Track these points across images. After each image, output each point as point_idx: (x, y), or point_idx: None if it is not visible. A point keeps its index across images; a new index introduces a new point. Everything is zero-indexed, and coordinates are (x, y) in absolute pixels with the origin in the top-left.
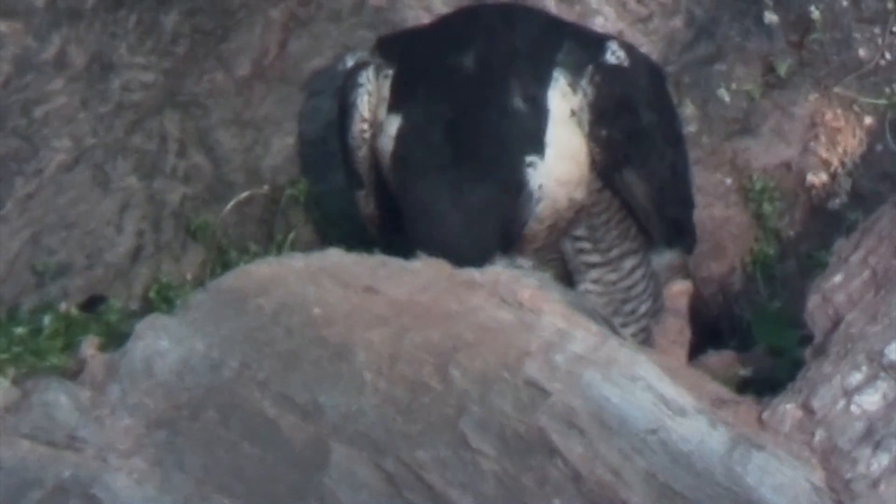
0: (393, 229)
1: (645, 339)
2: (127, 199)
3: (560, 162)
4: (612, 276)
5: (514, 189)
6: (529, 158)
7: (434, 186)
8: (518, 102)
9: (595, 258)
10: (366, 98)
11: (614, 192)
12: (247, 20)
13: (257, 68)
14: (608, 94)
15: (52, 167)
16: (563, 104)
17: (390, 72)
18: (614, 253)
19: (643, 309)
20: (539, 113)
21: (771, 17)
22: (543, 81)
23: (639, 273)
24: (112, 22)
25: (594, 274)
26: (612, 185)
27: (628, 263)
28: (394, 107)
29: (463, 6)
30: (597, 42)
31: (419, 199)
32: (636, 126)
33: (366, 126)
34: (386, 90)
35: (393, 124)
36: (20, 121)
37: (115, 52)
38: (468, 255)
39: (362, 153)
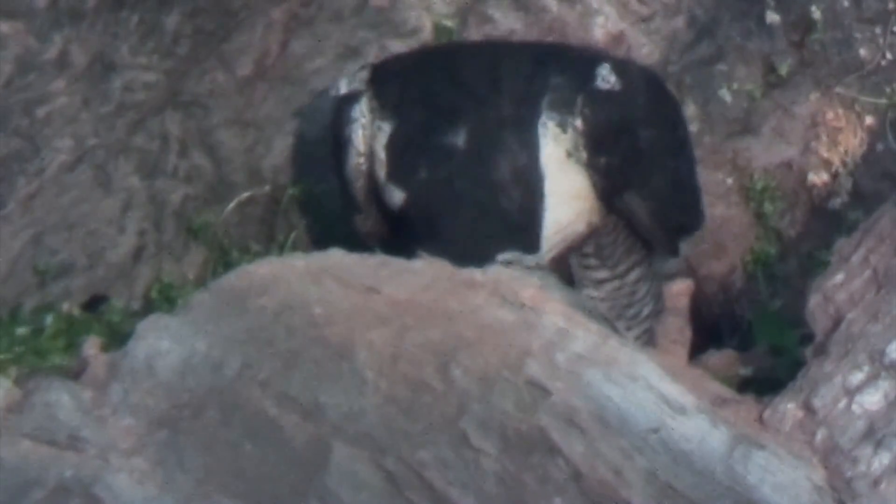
0: (394, 244)
1: (648, 341)
2: (129, 199)
3: (562, 206)
4: (616, 283)
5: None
6: (504, 255)
7: None
8: (507, 181)
9: (603, 274)
10: (360, 133)
11: (618, 214)
12: (248, 20)
13: (259, 68)
14: (600, 123)
15: (54, 167)
16: (557, 150)
17: (385, 125)
18: (621, 268)
19: (646, 312)
20: (530, 183)
21: (772, 17)
22: (532, 144)
23: (642, 281)
24: (114, 22)
25: (598, 283)
26: (613, 208)
27: (634, 275)
28: (393, 177)
29: (449, 44)
30: (587, 68)
31: None
32: (634, 148)
33: (362, 160)
34: (379, 145)
35: (395, 196)
36: (22, 121)
37: (117, 52)
38: None
39: (360, 184)
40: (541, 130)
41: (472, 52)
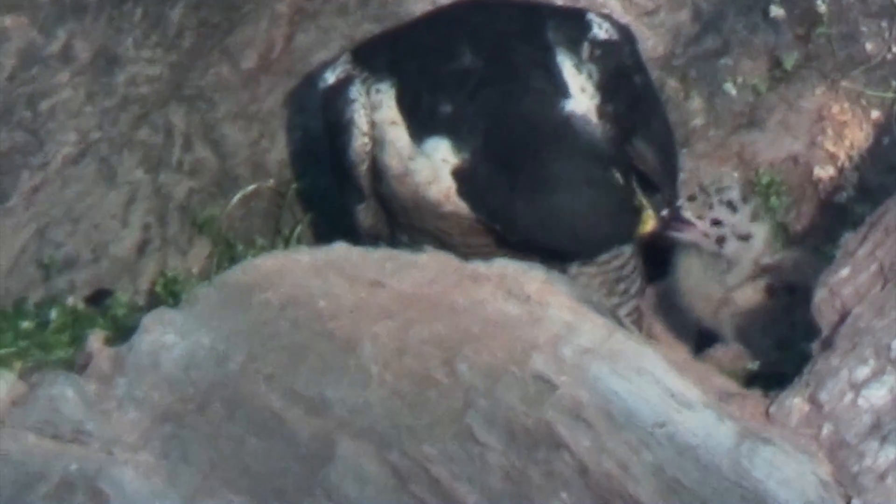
0: (391, 240)
1: (637, 319)
2: (133, 193)
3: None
4: (604, 256)
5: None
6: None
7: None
8: (545, 89)
9: None
10: (362, 112)
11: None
12: (253, 13)
13: (264, 62)
14: (610, 72)
15: (58, 161)
16: (574, 80)
17: (383, 86)
18: None
19: (634, 289)
20: (560, 89)
21: (777, 10)
22: (549, 57)
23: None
24: (118, 15)
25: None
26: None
27: None
28: (419, 134)
29: (426, 15)
30: (578, 18)
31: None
32: (634, 94)
33: (366, 140)
34: (386, 107)
35: (436, 151)
36: (26, 114)
37: (121, 45)
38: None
39: (365, 166)
40: (558, 52)
41: (457, 12)
